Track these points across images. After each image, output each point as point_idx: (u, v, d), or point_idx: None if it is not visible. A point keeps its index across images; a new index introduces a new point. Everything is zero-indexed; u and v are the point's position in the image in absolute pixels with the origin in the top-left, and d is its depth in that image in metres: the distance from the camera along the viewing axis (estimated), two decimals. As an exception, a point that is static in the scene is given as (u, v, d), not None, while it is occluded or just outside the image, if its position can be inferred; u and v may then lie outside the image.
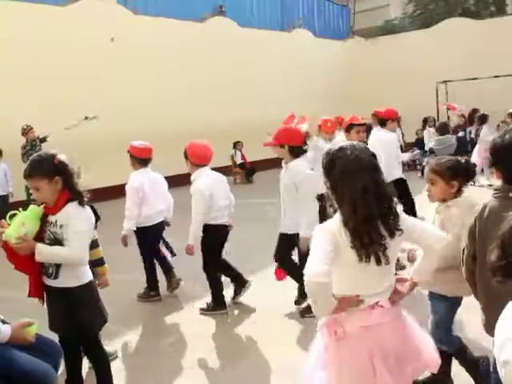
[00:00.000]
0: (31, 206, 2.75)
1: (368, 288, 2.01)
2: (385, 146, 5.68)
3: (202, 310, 4.55)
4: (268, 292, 4.52)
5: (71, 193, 2.71)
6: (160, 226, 4.86)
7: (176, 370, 3.60)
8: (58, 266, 2.73)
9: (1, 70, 9.44)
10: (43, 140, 9.01)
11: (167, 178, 5.13)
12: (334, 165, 2.00)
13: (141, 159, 4.72)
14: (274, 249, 4.36)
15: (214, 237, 4.44)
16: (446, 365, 2.96)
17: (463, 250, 2.36)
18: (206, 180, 4.34)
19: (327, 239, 1.91)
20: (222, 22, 14.30)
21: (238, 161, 13.47)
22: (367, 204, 1.92)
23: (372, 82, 16.84)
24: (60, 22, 10.57)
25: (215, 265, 4.53)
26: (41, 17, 10.28)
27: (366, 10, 21.37)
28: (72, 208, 2.69)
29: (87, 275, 2.83)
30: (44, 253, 2.64)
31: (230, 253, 4.78)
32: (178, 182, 7.75)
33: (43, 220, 2.73)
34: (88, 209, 2.78)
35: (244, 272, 4.65)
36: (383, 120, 6.21)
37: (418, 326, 2.20)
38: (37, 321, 2.58)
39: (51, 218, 2.71)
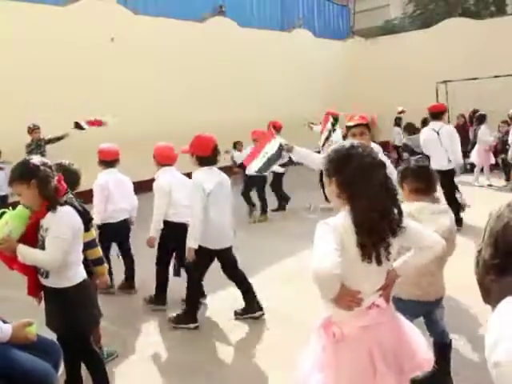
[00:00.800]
0: (19, 207, 2.77)
1: (368, 286, 2.01)
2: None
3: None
4: (265, 292, 4.52)
5: (42, 197, 2.69)
6: (123, 224, 5.02)
7: (176, 370, 3.61)
8: None
9: (1, 69, 9.43)
10: (48, 142, 8.88)
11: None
12: (346, 161, 1.96)
13: (105, 162, 4.93)
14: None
15: (170, 234, 4.55)
16: (445, 363, 2.97)
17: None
18: (168, 177, 4.56)
19: (332, 236, 1.87)
20: (221, 21, 14.28)
21: (238, 161, 13.45)
22: (382, 200, 1.91)
23: (372, 82, 16.82)
24: (60, 22, 10.56)
25: (163, 263, 4.64)
26: (41, 17, 10.27)
27: (366, 9, 21.31)
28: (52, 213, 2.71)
29: (80, 275, 2.84)
30: (24, 253, 2.66)
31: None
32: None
33: (38, 224, 2.74)
34: (67, 212, 2.75)
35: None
36: (437, 113, 6.54)
37: (411, 325, 2.21)
38: (36, 320, 2.60)
39: (41, 222, 2.74)
